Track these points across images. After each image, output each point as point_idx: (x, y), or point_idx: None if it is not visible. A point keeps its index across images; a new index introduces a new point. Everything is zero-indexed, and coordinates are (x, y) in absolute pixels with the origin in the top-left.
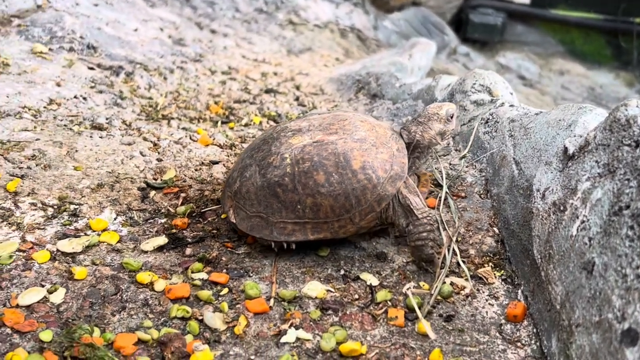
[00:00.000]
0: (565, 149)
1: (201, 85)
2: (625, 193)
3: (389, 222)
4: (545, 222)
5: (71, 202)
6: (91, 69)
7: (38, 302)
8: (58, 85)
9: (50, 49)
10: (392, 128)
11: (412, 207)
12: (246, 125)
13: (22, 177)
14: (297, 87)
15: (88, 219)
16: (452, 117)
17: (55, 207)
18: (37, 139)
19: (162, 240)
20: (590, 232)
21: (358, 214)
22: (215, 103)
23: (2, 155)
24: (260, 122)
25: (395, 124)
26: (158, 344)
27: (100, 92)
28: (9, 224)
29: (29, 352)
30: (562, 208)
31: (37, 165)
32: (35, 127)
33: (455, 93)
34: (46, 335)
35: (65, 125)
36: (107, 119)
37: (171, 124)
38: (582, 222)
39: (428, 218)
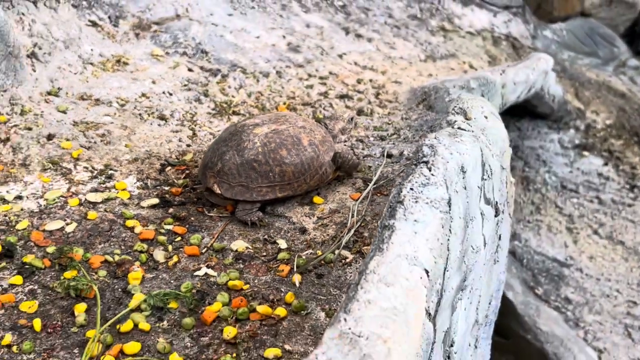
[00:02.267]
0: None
1: (286, 88)
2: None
3: (326, 180)
4: None
5: (111, 168)
6: (190, 70)
7: (57, 229)
8: (154, 82)
9: (166, 53)
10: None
11: (337, 153)
12: None
13: (88, 148)
14: (377, 94)
15: (116, 181)
16: (351, 120)
17: (99, 171)
18: (111, 122)
19: (155, 200)
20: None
21: (309, 175)
22: (284, 104)
23: (82, 131)
24: None
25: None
26: (116, 264)
27: (189, 89)
28: (65, 178)
29: (35, 257)
30: None
31: (101, 141)
32: (115, 114)
33: (448, 112)
34: (50, 249)
35: (139, 114)
36: (172, 111)
37: (231, 119)
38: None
39: (346, 150)
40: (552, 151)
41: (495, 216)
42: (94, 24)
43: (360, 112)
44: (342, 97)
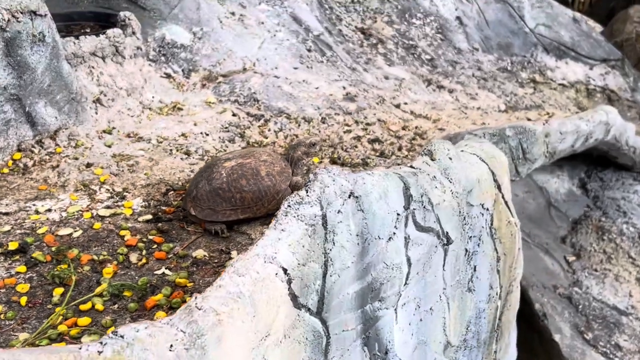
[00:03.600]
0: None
1: (322, 132)
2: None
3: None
4: None
5: (127, 191)
6: (234, 115)
7: (66, 234)
8: (195, 124)
9: (219, 100)
10: (282, 156)
11: (291, 181)
12: None
13: (115, 175)
14: (412, 139)
15: (126, 201)
16: (313, 144)
17: (117, 192)
18: (142, 155)
19: (149, 217)
20: None
21: (267, 200)
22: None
23: (116, 162)
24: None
25: None
26: (99, 262)
27: (227, 131)
28: (89, 197)
29: (41, 253)
30: None
31: (128, 169)
32: (149, 149)
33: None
34: (54, 249)
35: (169, 150)
36: (197, 148)
37: None
38: None
39: (300, 180)
40: (634, 202)
41: (446, 244)
42: (168, 76)
43: (382, 153)
44: (373, 141)
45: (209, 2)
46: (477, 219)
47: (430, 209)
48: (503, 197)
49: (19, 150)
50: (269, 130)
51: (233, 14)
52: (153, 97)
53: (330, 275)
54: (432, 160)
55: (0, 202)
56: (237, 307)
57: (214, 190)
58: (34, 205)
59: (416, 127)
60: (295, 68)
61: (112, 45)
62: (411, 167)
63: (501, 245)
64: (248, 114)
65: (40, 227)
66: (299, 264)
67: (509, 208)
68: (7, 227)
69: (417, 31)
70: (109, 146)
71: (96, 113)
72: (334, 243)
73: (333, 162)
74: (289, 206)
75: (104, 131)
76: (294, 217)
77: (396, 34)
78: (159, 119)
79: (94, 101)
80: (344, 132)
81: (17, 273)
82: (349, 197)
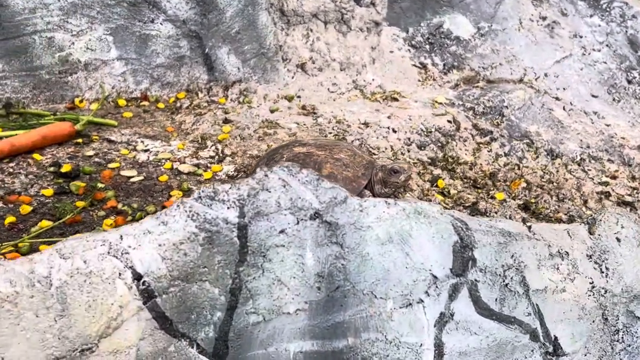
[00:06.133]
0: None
1: (561, 176)
2: None
3: None
4: None
5: (232, 156)
6: (451, 122)
7: (126, 175)
8: (390, 117)
9: (451, 103)
10: (374, 162)
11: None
12: None
13: (240, 138)
14: None
15: (217, 164)
16: (394, 172)
17: (222, 154)
18: (289, 129)
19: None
20: None
21: None
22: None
23: (258, 127)
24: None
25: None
26: (116, 213)
27: (426, 135)
28: (194, 151)
29: (81, 183)
30: None
31: (256, 137)
32: (306, 125)
33: None
34: (96, 184)
35: (322, 130)
36: (363, 140)
37: None
38: None
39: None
40: None
41: (551, 355)
42: (423, 66)
43: None
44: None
45: None
46: None
47: (523, 294)
48: None
49: (187, 90)
50: (489, 151)
51: (544, 18)
52: (374, 79)
53: (246, 313)
54: (591, 234)
55: (122, 131)
56: (31, 294)
57: None
58: (142, 142)
59: None
60: (594, 96)
61: (338, 11)
62: (527, 226)
63: None
64: (475, 126)
65: (115, 162)
66: (172, 276)
67: None
68: (91, 152)
69: None
70: (273, 111)
71: (292, 78)
72: (261, 270)
73: (525, 208)
74: (190, 197)
75: (285, 97)
76: (185, 212)
77: None
78: (361, 102)
79: (297, 65)
80: (596, 183)
81: (41, 195)
82: (313, 218)
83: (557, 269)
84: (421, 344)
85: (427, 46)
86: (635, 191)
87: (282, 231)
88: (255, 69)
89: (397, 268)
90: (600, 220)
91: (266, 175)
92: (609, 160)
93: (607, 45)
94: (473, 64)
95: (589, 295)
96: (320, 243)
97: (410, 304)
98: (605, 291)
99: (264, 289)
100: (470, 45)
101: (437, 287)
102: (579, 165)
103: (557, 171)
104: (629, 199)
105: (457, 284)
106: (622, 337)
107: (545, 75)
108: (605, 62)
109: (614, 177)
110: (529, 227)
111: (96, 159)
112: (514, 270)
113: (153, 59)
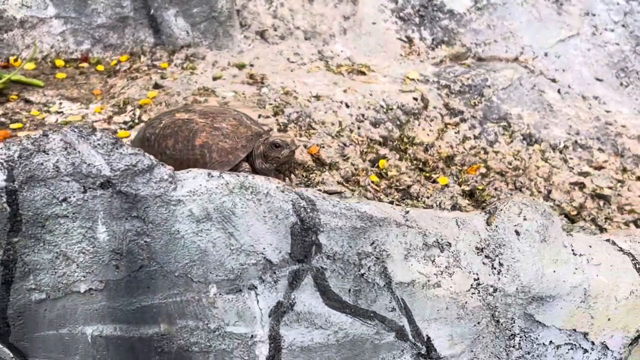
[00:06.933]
0: None
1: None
2: None
3: None
4: None
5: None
6: (417, 100)
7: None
8: (346, 91)
9: (425, 80)
10: (261, 134)
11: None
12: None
13: (166, 105)
14: None
15: (125, 130)
16: (276, 146)
17: (138, 120)
18: (224, 98)
19: None
20: None
21: None
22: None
23: (189, 94)
24: None
25: None
26: None
27: (384, 112)
28: (111, 114)
29: None
30: None
31: (182, 103)
32: (243, 95)
33: None
34: None
35: (257, 103)
36: (302, 113)
37: None
38: None
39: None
40: None
41: (425, 357)
42: (408, 40)
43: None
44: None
45: None
46: (554, 353)
47: (385, 286)
48: None
49: (131, 53)
50: (456, 133)
51: None
52: (342, 51)
53: (27, 290)
54: (488, 224)
55: (46, 92)
56: None
57: (143, 138)
58: (60, 104)
59: None
60: (598, 80)
61: None
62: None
63: None
64: (446, 105)
65: (21, 122)
66: None
67: None
68: (0, 111)
69: None
70: (215, 79)
71: (249, 45)
72: (41, 242)
73: (470, 195)
74: None
75: (237, 65)
76: None
77: None
78: (321, 74)
79: (257, 32)
80: (575, 173)
81: None
82: (105, 187)
83: (433, 261)
84: (252, 335)
85: (417, 19)
86: (620, 184)
87: (64, 200)
88: (206, 34)
89: (217, 249)
90: (502, 210)
91: (45, 135)
92: (599, 149)
93: (622, 25)
94: (465, 40)
95: (472, 294)
96: (116, 216)
97: (239, 290)
98: (495, 290)
99: (46, 264)
100: (465, 20)
101: (274, 273)
102: (560, 152)
103: (530, 158)
104: (606, 192)
105: (298, 271)
106: (519, 343)
107: (545, 54)
108: (618, 44)
109: (599, 168)
110: (406, 213)
111: (2, 119)
112: (372, 259)
113: (94, 18)
